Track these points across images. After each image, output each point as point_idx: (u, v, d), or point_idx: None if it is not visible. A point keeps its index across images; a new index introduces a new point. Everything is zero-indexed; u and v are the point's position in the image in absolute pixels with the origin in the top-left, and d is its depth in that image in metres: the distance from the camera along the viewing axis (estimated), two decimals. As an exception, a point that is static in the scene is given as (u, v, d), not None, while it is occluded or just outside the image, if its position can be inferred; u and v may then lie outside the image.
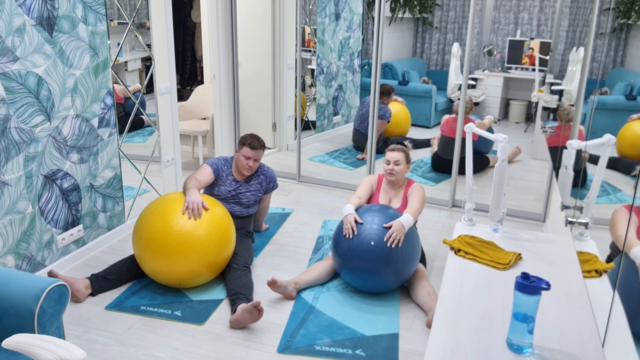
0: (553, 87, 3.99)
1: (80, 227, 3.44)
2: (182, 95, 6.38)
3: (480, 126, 4.91)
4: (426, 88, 6.00)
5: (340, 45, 5.87)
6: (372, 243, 2.95)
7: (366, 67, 6.03)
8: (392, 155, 3.26)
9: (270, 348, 2.69)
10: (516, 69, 6.07)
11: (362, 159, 5.51)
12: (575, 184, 2.30)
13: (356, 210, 3.15)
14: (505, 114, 6.30)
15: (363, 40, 5.98)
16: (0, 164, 2.83)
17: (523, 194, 4.69)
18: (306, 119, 5.91)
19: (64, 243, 3.33)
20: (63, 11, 3.10)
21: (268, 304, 3.06)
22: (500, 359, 1.58)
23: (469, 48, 4.12)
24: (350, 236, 3.01)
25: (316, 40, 5.67)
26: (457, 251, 2.25)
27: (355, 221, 3.05)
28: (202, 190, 3.80)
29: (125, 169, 3.78)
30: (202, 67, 6.69)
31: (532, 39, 5.93)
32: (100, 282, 3.09)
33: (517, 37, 5.99)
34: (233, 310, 2.87)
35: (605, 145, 1.77)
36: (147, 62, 3.97)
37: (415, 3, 6.12)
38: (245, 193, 3.50)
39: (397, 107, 5.62)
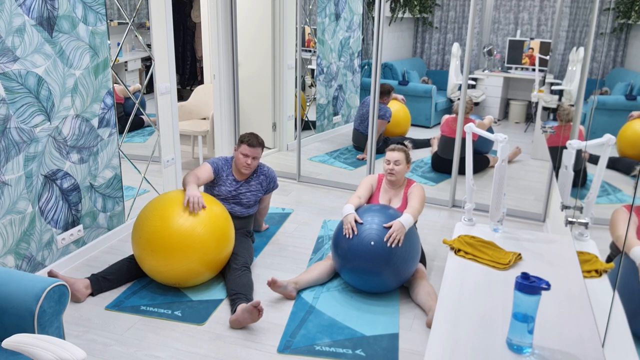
0: (553, 87, 3.99)
1: (80, 227, 3.44)
2: (182, 95, 6.38)
3: (480, 126, 4.91)
4: (426, 88, 6.00)
5: (340, 45, 5.87)
6: (372, 243, 2.95)
7: (366, 67, 6.03)
8: (392, 155, 3.26)
9: (270, 348, 2.69)
10: (516, 69, 6.07)
11: (362, 159, 5.51)
12: (575, 184, 2.30)
13: (356, 210, 3.15)
14: (505, 114, 6.30)
15: (363, 40, 5.98)
16: (0, 164, 2.83)
17: (523, 194, 4.68)
18: (306, 119, 5.91)
19: (64, 243, 3.33)
20: (63, 11, 3.10)
21: (268, 304, 3.06)
22: (500, 359, 1.58)
23: (469, 48, 4.12)
24: (350, 236, 3.01)
25: (316, 40, 5.67)
26: (457, 251, 2.25)
27: (355, 221, 3.05)
28: (201, 189, 3.80)
29: (125, 169, 3.78)
30: (202, 67, 6.69)
31: (532, 39, 5.93)
32: (100, 282, 3.09)
33: (517, 37, 5.99)
34: (233, 310, 2.87)
35: (605, 145, 1.77)
36: (147, 62, 3.97)
37: (415, 3, 6.12)
38: (245, 193, 3.50)
39: (397, 107, 5.62)
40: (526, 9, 5.90)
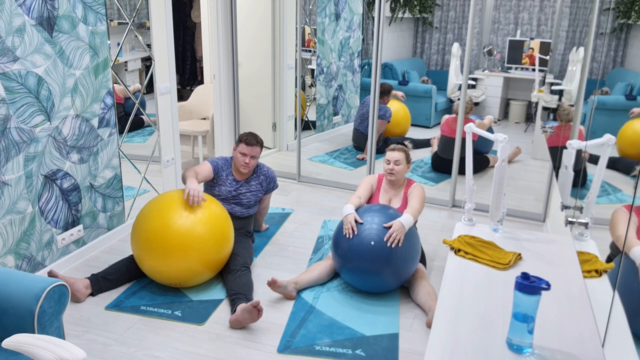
0: (553, 87, 3.99)
1: (80, 227, 3.44)
2: (182, 95, 6.38)
3: (480, 126, 4.91)
4: (426, 88, 6.00)
5: (340, 45, 5.87)
6: (372, 243, 2.95)
7: (366, 67, 6.03)
8: (392, 155, 3.26)
9: (270, 348, 2.69)
10: (516, 69, 6.07)
11: (362, 159, 5.51)
12: (575, 184, 2.30)
13: (356, 210, 3.15)
14: (505, 114, 6.30)
15: (363, 40, 5.98)
16: (0, 164, 2.83)
17: (523, 194, 4.68)
18: (306, 119, 5.91)
19: (64, 243, 3.33)
20: (63, 11, 3.10)
21: (268, 304, 3.06)
22: (500, 359, 1.58)
23: (469, 48, 4.12)
24: (350, 236, 3.01)
25: (316, 40, 5.67)
26: (457, 251, 2.25)
27: (356, 221, 3.05)
28: (201, 188, 3.79)
29: (125, 169, 3.78)
30: (202, 67, 6.69)
31: (532, 39, 5.93)
32: (100, 282, 3.09)
33: (517, 37, 5.99)
34: (233, 310, 2.87)
35: (605, 145, 1.77)
36: (147, 62, 3.97)
37: (415, 3, 6.12)
38: (245, 193, 3.50)
39: (397, 107, 5.62)
40: (526, 9, 5.90)
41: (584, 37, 2.68)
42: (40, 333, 2.05)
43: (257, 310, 2.74)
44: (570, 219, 1.99)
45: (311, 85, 5.89)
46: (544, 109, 4.30)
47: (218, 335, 2.78)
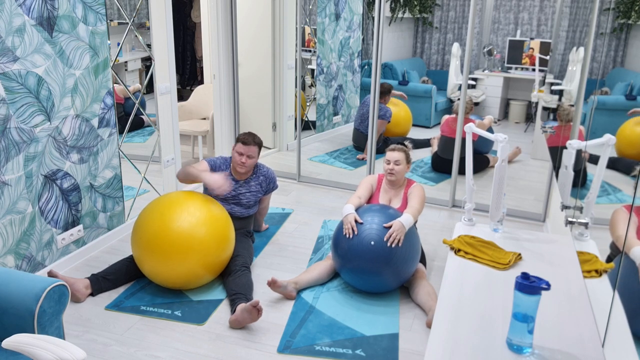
0: (553, 87, 3.99)
1: (80, 227, 3.44)
2: (182, 95, 6.38)
3: (480, 126, 4.91)
4: (426, 88, 6.00)
5: (340, 45, 5.87)
6: (372, 243, 2.95)
7: (366, 67, 6.03)
8: (392, 155, 3.26)
9: (270, 348, 2.69)
10: (516, 69, 6.07)
11: (362, 159, 5.51)
12: (575, 184, 2.30)
13: (356, 210, 3.15)
14: (505, 114, 6.30)
15: (363, 40, 5.98)
16: (0, 164, 2.83)
17: (523, 194, 4.68)
18: (306, 119, 5.91)
19: (64, 243, 3.33)
20: (63, 11, 3.10)
21: (268, 304, 3.06)
22: (500, 359, 1.58)
23: (469, 48, 4.12)
24: (350, 236, 3.01)
25: (316, 40, 5.67)
26: (457, 251, 2.25)
27: (356, 221, 3.05)
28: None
29: (125, 169, 3.78)
30: (202, 67, 6.69)
31: (532, 39, 5.93)
32: (100, 282, 3.09)
33: (517, 37, 5.99)
34: (233, 310, 2.87)
35: (605, 145, 1.77)
36: (147, 62, 3.97)
37: (415, 3, 6.12)
38: (245, 194, 3.50)
39: (398, 107, 5.62)
40: (526, 9, 5.90)
41: (584, 37, 2.68)
42: (40, 333, 2.05)
43: (256, 310, 2.74)
44: (570, 219, 1.99)
45: (311, 85, 5.89)
46: (544, 109, 4.30)
47: (218, 335, 2.78)
